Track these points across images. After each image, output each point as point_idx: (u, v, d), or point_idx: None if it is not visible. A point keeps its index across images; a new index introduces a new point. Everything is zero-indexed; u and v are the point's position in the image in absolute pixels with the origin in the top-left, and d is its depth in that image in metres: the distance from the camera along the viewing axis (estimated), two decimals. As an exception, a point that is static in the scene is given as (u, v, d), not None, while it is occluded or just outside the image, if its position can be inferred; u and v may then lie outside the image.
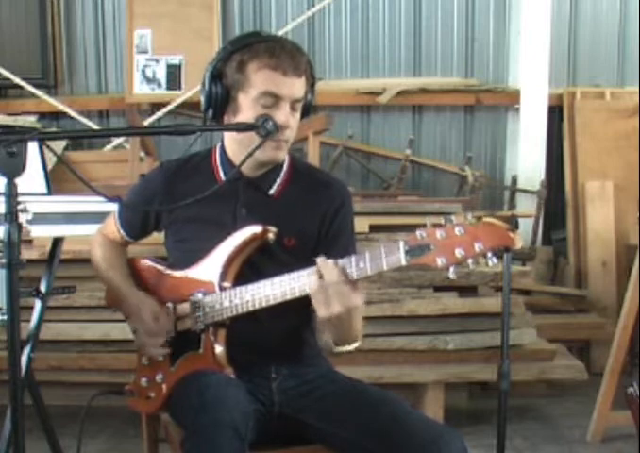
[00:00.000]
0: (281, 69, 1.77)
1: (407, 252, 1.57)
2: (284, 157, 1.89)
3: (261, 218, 1.84)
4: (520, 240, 1.54)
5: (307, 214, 1.91)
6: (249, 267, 1.85)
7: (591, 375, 3.64)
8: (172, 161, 2.01)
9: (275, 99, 1.79)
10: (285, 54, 1.78)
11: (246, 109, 1.80)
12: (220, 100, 1.82)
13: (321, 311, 1.67)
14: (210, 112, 1.84)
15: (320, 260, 1.67)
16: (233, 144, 1.91)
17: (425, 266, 1.57)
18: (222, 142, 1.95)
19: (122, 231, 2.05)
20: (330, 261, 1.66)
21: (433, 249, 1.55)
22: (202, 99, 1.86)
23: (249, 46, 1.80)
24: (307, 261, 1.81)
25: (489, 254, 1.52)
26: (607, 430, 3.31)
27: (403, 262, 1.58)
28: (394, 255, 1.59)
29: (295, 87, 1.80)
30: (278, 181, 1.92)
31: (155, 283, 1.96)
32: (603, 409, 3.29)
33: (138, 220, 2.02)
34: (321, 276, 1.65)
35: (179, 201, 1.81)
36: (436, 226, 1.56)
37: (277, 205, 1.91)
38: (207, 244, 1.86)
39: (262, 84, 1.78)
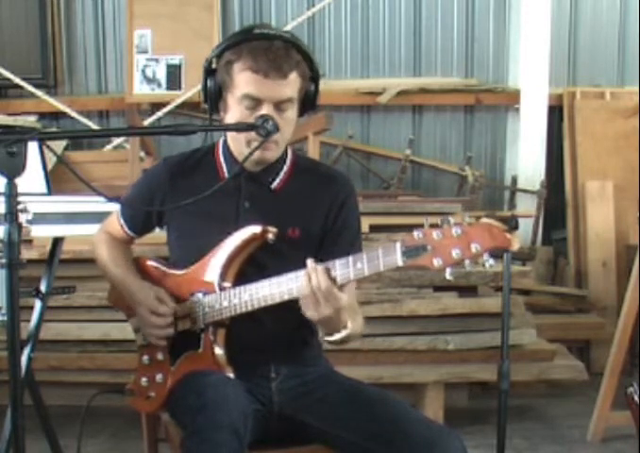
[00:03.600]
0: (262, 71, 1.76)
1: (404, 253, 1.58)
2: (274, 157, 1.89)
3: (263, 211, 1.85)
4: (518, 241, 1.53)
5: (310, 207, 1.91)
6: (252, 260, 1.85)
7: (591, 375, 3.65)
8: (174, 156, 2.01)
9: (255, 102, 1.79)
10: (268, 56, 1.76)
11: (233, 109, 1.82)
12: (214, 96, 1.85)
13: (309, 313, 1.70)
14: (209, 106, 1.87)
15: (309, 263, 1.68)
16: (231, 140, 1.93)
17: (422, 267, 1.57)
18: (225, 136, 1.96)
19: (125, 227, 2.04)
20: (319, 267, 1.67)
21: (430, 250, 1.55)
22: (202, 93, 1.89)
23: (238, 45, 1.80)
24: (311, 254, 1.82)
25: (486, 255, 1.52)
26: (607, 430, 3.31)
27: (400, 263, 1.58)
28: (390, 256, 1.59)
29: (279, 89, 1.79)
30: (281, 175, 1.93)
31: (157, 283, 1.96)
32: (603, 409, 3.29)
33: (141, 215, 2.02)
34: (310, 280, 1.67)
35: (182, 196, 1.81)
36: (433, 226, 1.56)
37: (280, 198, 1.91)
38: (209, 240, 1.86)
39: (244, 86, 1.79)
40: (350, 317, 1.77)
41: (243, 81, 1.78)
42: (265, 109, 1.78)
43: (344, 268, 1.65)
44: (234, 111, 1.82)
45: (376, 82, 5.15)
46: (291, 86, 1.81)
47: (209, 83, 1.84)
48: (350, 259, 1.65)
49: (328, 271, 1.66)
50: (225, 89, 1.83)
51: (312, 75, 1.87)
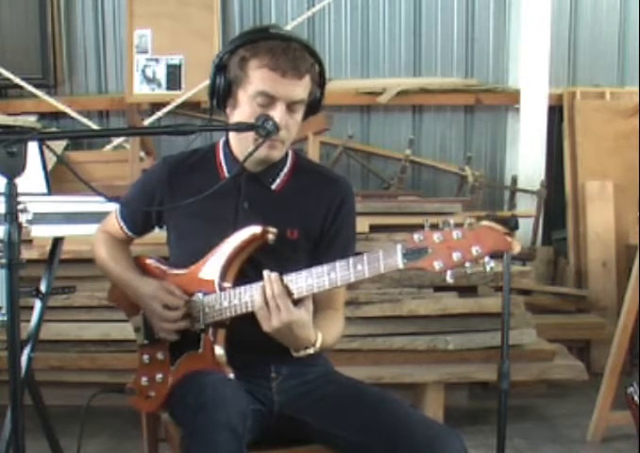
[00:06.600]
0: (280, 70, 1.77)
1: (404, 255, 1.58)
2: (279, 156, 1.89)
3: (263, 212, 1.86)
4: (518, 244, 1.54)
5: (310, 208, 1.91)
6: (251, 261, 1.85)
7: (591, 375, 3.64)
8: (174, 156, 2.01)
9: (270, 99, 1.79)
10: (287, 55, 1.78)
11: (243, 105, 1.82)
12: (222, 92, 1.85)
13: (263, 326, 1.71)
14: (215, 102, 1.87)
15: (265, 273, 1.70)
16: (234, 139, 1.93)
17: (422, 270, 1.58)
18: (226, 136, 1.96)
19: (124, 227, 2.04)
20: (274, 275, 1.69)
21: (431, 253, 1.55)
22: (208, 88, 1.88)
23: (254, 43, 1.80)
24: (308, 255, 1.83)
25: (486, 258, 1.53)
26: (607, 430, 3.31)
27: (400, 266, 1.59)
28: (391, 258, 1.60)
29: (294, 88, 1.80)
30: (281, 176, 1.93)
31: (157, 282, 1.96)
32: (603, 409, 3.29)
33: (140, 215, 2.02)
34: (264, 290, 1.69)
35: (182, 195, 1.82)
36: (434, 229, 1.57)
37: (280, 199, 1.91)
38: (208, 240, 1.86)
39: (260, 83, 1.78)
40: (323, 330, 1.78)
41: (258, 78, 1.78)
42: (278, 108, 1.79)
43: (344, 270, 1.65)
44: (244, 108, 1.81)
45: (376, 82, 5.15)
46: (304, 88, 1.82)
47: (218, 78, 1.84)
48: (351, 260, 1.65)
49: (282, 279, 1.69)
50: (236, 85, 1.82)
51: (320, 81, 1.88)
